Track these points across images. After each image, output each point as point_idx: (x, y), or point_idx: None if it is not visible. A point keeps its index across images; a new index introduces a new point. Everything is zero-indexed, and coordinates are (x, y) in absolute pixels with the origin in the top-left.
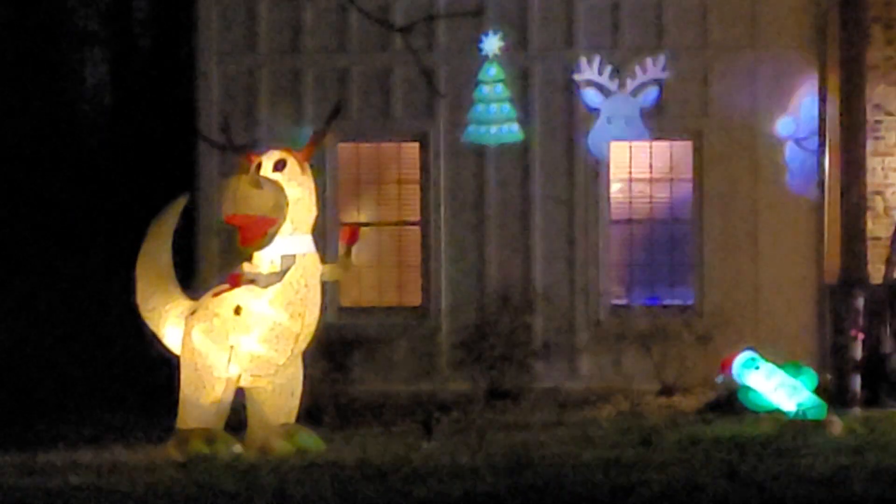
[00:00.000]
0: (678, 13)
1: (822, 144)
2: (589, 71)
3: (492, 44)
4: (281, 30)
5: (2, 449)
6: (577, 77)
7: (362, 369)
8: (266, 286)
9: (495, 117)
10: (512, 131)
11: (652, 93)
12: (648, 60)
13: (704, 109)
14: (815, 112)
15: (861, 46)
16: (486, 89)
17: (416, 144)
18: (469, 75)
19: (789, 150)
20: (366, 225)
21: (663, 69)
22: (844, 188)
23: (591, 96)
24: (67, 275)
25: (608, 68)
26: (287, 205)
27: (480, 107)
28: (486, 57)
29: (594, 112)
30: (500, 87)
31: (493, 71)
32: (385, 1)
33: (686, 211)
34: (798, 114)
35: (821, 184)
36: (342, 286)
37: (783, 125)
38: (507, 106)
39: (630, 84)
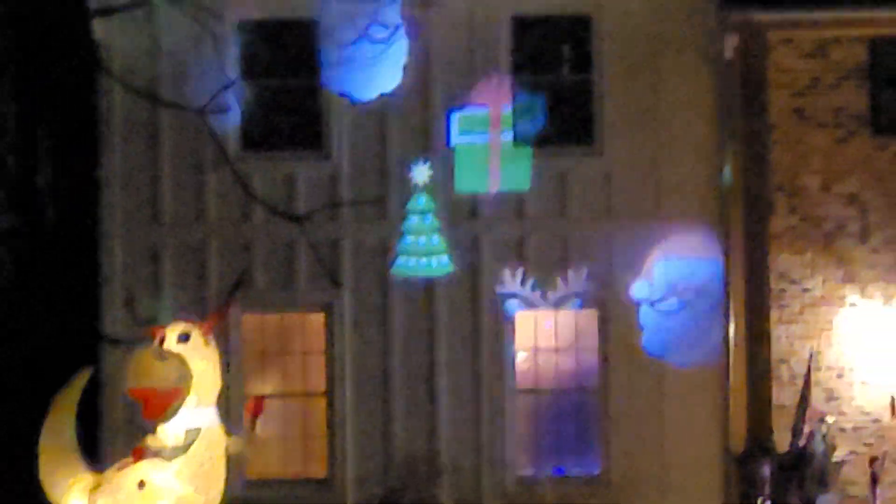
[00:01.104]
0: (583, 183)
1: (727, 313)
2: (511, 283)
3: (421, 173)
4: (185, 201)
5: None
6: (499, 289)
7: None
8: (170, 459)
9: (425, 249)
10: (442, 263)
11: (575, 304)
12: (571, 273)
13: (608, 280)
14: (668, 275)
15: (764, 215)
16: (415, 220)
17: (321, 314)
18: (373, 245)
19: (643, 312)
20: (271, 396)
21: (585, 280)
22: (749, 356)
23: (513, 307)
24: None
25: (530, 281)
26: (191, 377)
27: (410, 238)
28: (416, 187)
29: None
30: (429, 217)
31: (423, 201)
32: (289, 182)
33: (591, 380)
34: (651, 277)
35: (726, 352)
36: (248, 458)
37: (637, 289)
38: (436, 237)
39: (552, 297)
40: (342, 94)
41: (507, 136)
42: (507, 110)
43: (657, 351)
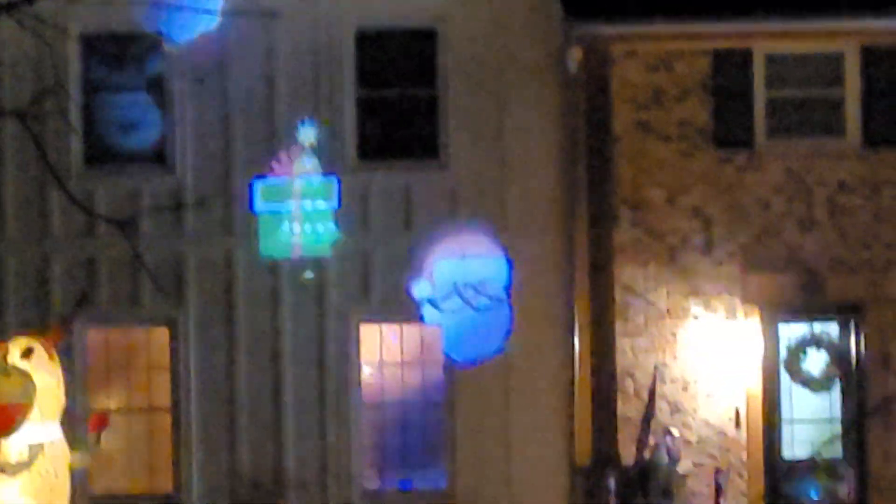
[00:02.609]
0: (428, 197)
1: (571, 321)
2: None
3: (308, 134)
4: (28, 216)
5: None
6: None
7: None
8: (14, 475)
9: (312, 214)
10: (329, 230)
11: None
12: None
13: None
14: (449, 274)
15: (609, 228)
16: (301, 182)
17: (166, 330)
18: (218, 260)
19: (427, 311)
20: (115, 411)
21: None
22: (595, 370)
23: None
24: None
25: None
26: (35, 392)
27: (295, 203)
28: (303, 148)
29: None
30: (316, 180)
31: (310, 163)
32: (133, 197)
33: (437, 394)
34: (432, 277)
35: (571, 365)
36: (92, 473)
37: (419, 288)
38: (323, 202)
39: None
40: (159, 34)
41: (309, 205)
42: (308, 180)
43: (448, 348)
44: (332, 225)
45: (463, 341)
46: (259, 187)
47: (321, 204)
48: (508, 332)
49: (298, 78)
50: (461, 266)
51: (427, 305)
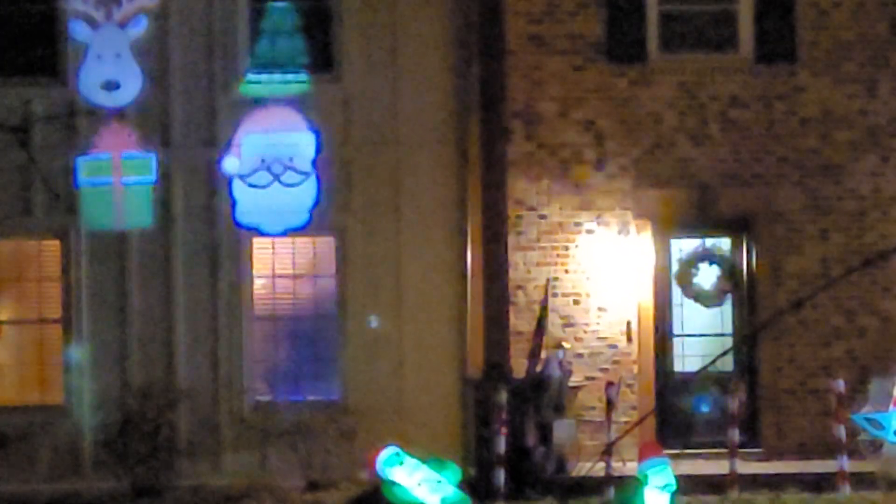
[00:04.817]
0: (320, 107)
1: (464, 235)
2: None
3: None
4: None
5: None
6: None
7: (3, 469)
8: None
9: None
10: (298, 76)
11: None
12: None
13: (347, 206)
14: (257, 149)
15: (501, 142)
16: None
17: (57, 241)
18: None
19: (236, 187)
20: (6, 323)
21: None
22: (487, 282)
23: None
24: None
25: None
26: None
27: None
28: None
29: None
30: (291, 18)
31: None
32: (25, 107)
33: (330, 307)
34: (240, 153)
35: (463, 278)
36: None
37: (227, 163)
38: (293, 40)
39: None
40: None
41: (129, 180)
42: (128, 156)
43: (249, 223)
44: (150, 198)
45: (268, 215)
46: (81, 163)
47: (141, 178)
48: (316, 205)
49: None
50: (269, 141)
51: (236, 180)
